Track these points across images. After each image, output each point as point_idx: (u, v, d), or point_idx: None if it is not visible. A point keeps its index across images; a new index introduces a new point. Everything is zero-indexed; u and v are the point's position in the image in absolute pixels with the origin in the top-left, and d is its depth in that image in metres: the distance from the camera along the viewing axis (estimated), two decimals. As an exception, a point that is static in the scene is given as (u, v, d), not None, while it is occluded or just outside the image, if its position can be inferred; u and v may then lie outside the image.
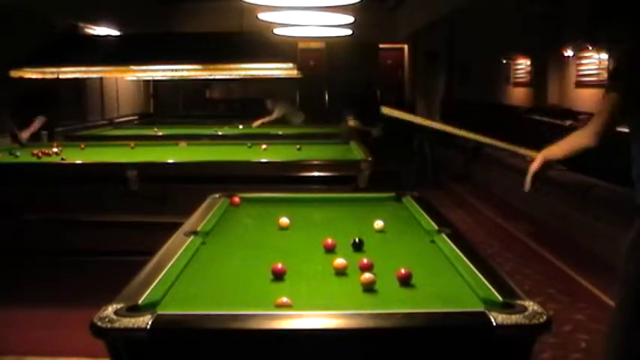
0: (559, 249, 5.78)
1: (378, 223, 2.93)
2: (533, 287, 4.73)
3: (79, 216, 4.64)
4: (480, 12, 10.22)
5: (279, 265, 2.23)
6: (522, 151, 2.88)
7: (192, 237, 2.64)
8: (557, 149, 2.72)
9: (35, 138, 6.64)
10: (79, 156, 5.42)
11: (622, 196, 5.04)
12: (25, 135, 6.43)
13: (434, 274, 2.27)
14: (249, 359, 1.76)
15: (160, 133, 7.83)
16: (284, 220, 2.99)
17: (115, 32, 10.43)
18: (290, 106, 9.68)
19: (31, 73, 6.04)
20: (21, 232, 4.63)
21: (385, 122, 7.99)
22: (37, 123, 6.59)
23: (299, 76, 7.21)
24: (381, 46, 14.64)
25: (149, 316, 1.71)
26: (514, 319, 1.70)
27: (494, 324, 1.68)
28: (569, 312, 4.26)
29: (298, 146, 5.83)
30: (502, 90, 12.26)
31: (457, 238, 2.61)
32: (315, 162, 4.87)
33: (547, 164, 2.70)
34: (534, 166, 2.71)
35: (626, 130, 2.60)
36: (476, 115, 9.76)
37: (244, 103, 13.65)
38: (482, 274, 2.10)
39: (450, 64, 11.96)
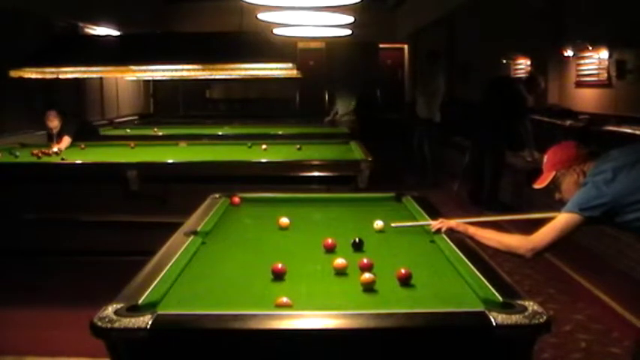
0: (559, 249, 5.76)
1: (378, 223, 2.93)
2: (533, 287, 4.72)
3: (79, 216, 4.64)
4: (480, 12, 10.20)
5: (279, 265, 2.23)
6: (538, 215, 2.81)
7: (192, 237, 2.65)
8: (477, 232, 2.62)
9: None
10: (79, 156, 5.42)
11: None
12: (56, 147, 5.81)
13: (434, 274, 2.27)
14: (249, 359, 1.76)
15: (160, 133, 7.82)
16: (284, 220, 2.99)
17: (115, 32, 10.41)
18: (346, 96, 10.01)
19: (31, 73, 6.02)
20: (21, 232, 4.63)
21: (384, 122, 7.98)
22: (65, 143, 5.95)
23: (299, 76, 7.20)
24: (381, 46, 14.62)
25: (149, 316, 1.71)
26: (514, 319, 1.70)
27: (495, 324, 1.68)
28: (569, 312, 4.25)
29: (298, 146, 5.83)
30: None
31: (457, 238, 2.61)
32: (315, 162, 4.87)
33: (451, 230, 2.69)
34: (440, 228, 2.71)
35: (629, 130, 2.58)
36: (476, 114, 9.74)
37: (244, 103, 13.64)
38: (482, 274, 2.10)
39: (450, 63, 11.95)
